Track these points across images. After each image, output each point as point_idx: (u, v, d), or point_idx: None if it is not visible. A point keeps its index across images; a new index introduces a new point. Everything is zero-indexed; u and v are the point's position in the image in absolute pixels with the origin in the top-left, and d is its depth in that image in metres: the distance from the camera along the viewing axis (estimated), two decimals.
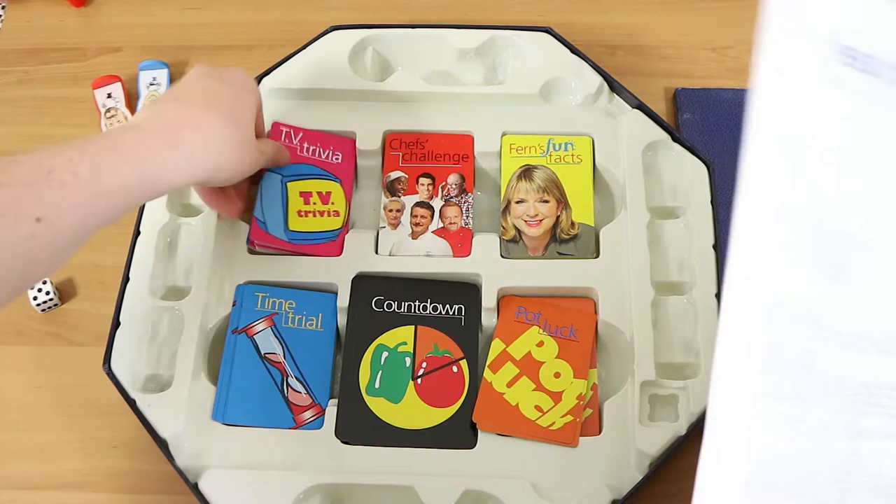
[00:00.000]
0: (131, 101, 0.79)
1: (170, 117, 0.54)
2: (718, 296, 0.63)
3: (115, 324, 0.64)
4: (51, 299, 0.69)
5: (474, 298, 0.65)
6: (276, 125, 0.68)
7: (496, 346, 0.64)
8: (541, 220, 0.68)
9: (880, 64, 0.34)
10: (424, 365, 0.63)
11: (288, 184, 0.66)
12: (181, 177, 0.54)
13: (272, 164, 0.66)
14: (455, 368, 0.63)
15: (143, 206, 0.69)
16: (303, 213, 0.65)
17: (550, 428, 0.60)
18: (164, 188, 0.53)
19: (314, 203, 0.65)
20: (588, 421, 0.62)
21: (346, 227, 0.66)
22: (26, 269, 0.46)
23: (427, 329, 0.64)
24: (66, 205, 0.46)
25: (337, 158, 0.67)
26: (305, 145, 0.67)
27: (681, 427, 0.59)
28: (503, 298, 0.66)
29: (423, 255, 0.67)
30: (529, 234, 0.67)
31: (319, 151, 0.67)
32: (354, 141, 0.68)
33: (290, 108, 0.73)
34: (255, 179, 0.66)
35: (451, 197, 0.69)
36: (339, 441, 0.60)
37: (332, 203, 0.66)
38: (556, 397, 0.61)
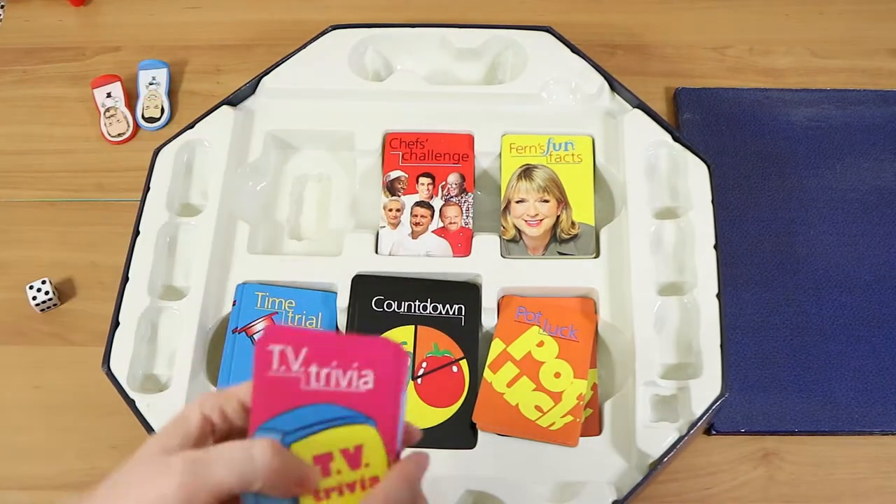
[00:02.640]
0: (131, 100, 0.78)
1: None
2: (719, 296, 0.63)
3: (115, 324, 0.64)
4: (50, 299, 0.69)
5: (474, 298, 0.65)
6: (260, 344, 0.38)
7: (496, 346, 0.63)
8: (541, 220, 0.68)
9: None
10: (424, 365, 0.63)
11: (293, 445, 0.37)
12: None
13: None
14: (455, 368, 0.63)
15: (143, 205, 0.68)
16: (322, 495, 0.37)
17: (550, 428, 0.60)
18: None
19: (338, 472, 0.37)
20: (588, 421, 0.61)
21: None
22: None
23: (427, 329, 0.64)
24: None
25: (367, 382, 0.38)
26: (314, 369, 0.38)
27: (681, 427, 0.59)
28: (503, 298, 0.66)
29: (423, 255, 0.67)
30: (529, 233, 0.67)
31: (338, 375, 0.38)
32: (398, 348, 0.38)
33: (290, 109, 0.73)
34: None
35: (451, 197, 0.69)
36: None
37: (367, 465, 0.38)
38: (557, 397, 0.61)
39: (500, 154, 0.71)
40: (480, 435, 0.61)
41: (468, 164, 0.70)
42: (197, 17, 0.84)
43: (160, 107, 0.78)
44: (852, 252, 0.69)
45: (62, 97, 0.80)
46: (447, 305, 0.65)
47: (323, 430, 0.38)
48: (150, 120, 0.78)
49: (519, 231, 0.67)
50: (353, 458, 0.37)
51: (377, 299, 0.65)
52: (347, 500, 0.37)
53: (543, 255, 0.67)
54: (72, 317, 0.69)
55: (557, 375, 0.62)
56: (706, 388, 0.60)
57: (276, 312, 0.64)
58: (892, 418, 0.63)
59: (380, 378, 0.38)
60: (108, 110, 0.78)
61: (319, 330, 0.44)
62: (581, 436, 0.60)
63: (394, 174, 0.70)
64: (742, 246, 0.69)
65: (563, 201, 0.68)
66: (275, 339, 0.38)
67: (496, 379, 0.62)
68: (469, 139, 0.71)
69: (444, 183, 0.70)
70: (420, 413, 0.61)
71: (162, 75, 0.79)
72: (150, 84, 0.79)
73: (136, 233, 0.67)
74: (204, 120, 0.72)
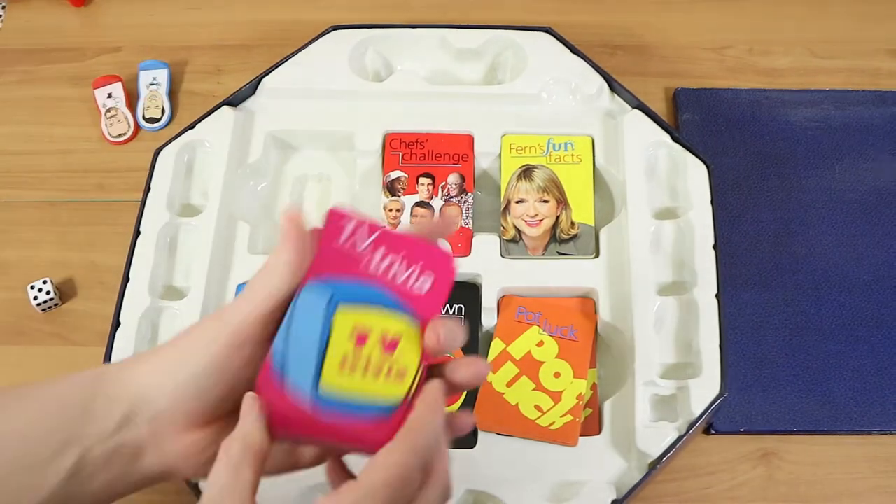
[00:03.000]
0: (131, 100, 0.79)
1: None
2: (718, 296, 0.63)
3: (116, 324, 0.64)
4: (51, 299, 0.69)
5: (474, 298, 0.65)
6: (333, 213, 0.39)
7: (496, 346, 0.64)
8: (541, 220, 0.68)
9: None
10: (424, 364, 0.63)
11: (337, 312, 0.38)
12: None
13: None
14: None
15: (143, 206, 0.69)
16: (348, 365, 0.38)
17: (550, 428, 0.60)
18: None
19: (370, 351, 0.38)
20: (588, 421, 0.62)
21: (408, 403, 0.38)
22: None
23: None
24: None
25: (424, 284, 0.39)
26: (380, 254, 0.39)
27: (680, 427, 0.59)
28: (503, 298, 0.66)
29: None
30: (529, 233, 0.67)
31: (400, 268, 0.39)
32: (451, 258, 0.40)
33: (290, 109, 0.73)
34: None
35: (451, 197, 0.69)
36: None
37: (399, 356, 0.38)
38: (556, 397, 0.62)
39: (500, 154, 0.71)
40: (480, 434, 0.61)
41: (468, 165, 0.70)
42: (197, 18, 0.84)
43: (161, 107, 0.78)
44: (851, 252, 0.69)
45: (63, 98, 0.80)
46: (447, 305, 0.65)
47: (370, 309, 0.38)
48: (151, 120, 0.78)
49: (519, 231, 0.68)
50: (389, 345, 0.38)
51: None
52: (368, 381, 0.37)
53: (543, 255, 0.67)
54: (73, 317, 0.70)
55: (557, 375, 0.62)
56: (705, 388, 0.60)
57: None
58: (890, 418, 0.63)
59: (436, 284, 0.39)
60: (108, 111, 0.78)
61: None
62: (581, 435, 0.60)
63: (394, 174, 0.70)
64: (741, 246, 0.70)
65: (562, 201, 0.69)
66: (348, 217, 0.39)
67: (496, 379, 0.62)
68: (469, 139, 0.71)
69: (444, 183, 0.70)
70: None
71: (162, 76, 0.79)
72: (151, 84, 0.79)
73: (137, 233, 0.67)
74: (204, 120, 0.72)
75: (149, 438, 0.36)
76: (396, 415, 0.37)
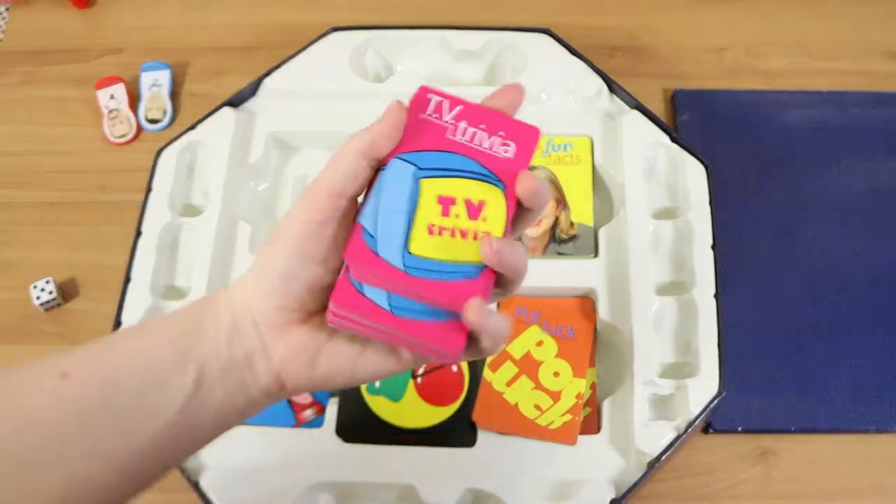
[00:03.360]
0: (134, 102, 0.79)
1: None
2: (717, 295, 0.63)
3: (117, 323, 0.64)
4: (53, 299, 0.69)
5: None
6: (422, 90, 0.41)
7: None
8: (540, 221, 0.68)
9: None
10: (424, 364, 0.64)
11: (423, 180, 0.39)
12: None
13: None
14: (455, 368, 0.64)
15: (145, 206, 0.69)
16: (435, 230, 0.39)
17: (549, 427, 0.61)
18: None
19: (456, 216, 0.39)
20: (587, 420, 0.62)
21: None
22: None
23: None
24: None
25: (507, 151, 0.40)
26: (463, 125, 0.40)
27: (679, 426, 0.60)
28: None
29: None
30: (529, 234, 0.68)
31: (482, 137, 0.40)
32: (538, 131, 0.41)
33: (291, 110, 0.74)
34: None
35: None
36: (339, 439, 0.61)
37: (485, 219, 0.39)
38: (556, 396, 0.62)
39: None
40: (480, 434, 0.61)
41: None
42: (199, 20, 0.84)
43: (162, 108, 0.78)
44: (848, 252, 0.70)
45: (65, 99, 0.80)
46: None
47: (455, 176, 0.39)
48: (153, 121, 0.78)
49: None
50: (475, 209, 0.39)
51: None
52: (456, 243, 0.38)
53: (542, 255, 0.67)
54: (75, 316, 0.70)
55: (556, 374, 0.63)
56: (704, 387, 0.60)
57: None
58: (887, 417, 0.64)
59: (520, 151, 0.40)
60: (111, 112, 0.78)
61: None
62: (580, 434, 0.61)
63: None
64: (740, 246, 0.70)
65: (561, 202, 0.69)
66: (434, 92, 0.41)
67: (496, 378, 0.63)
68: None
69: None
70: (420, 412, 0.62)
71: (164, 77, 0.79)
72: (153, 86, 0.79)
73: (139, 233, 0.68)
74: (206, 121, 0.72)
75: (256, 345, 0.38)
76: (483, 275, 0.38)
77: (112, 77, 0.79)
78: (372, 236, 0.38)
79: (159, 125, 0.78)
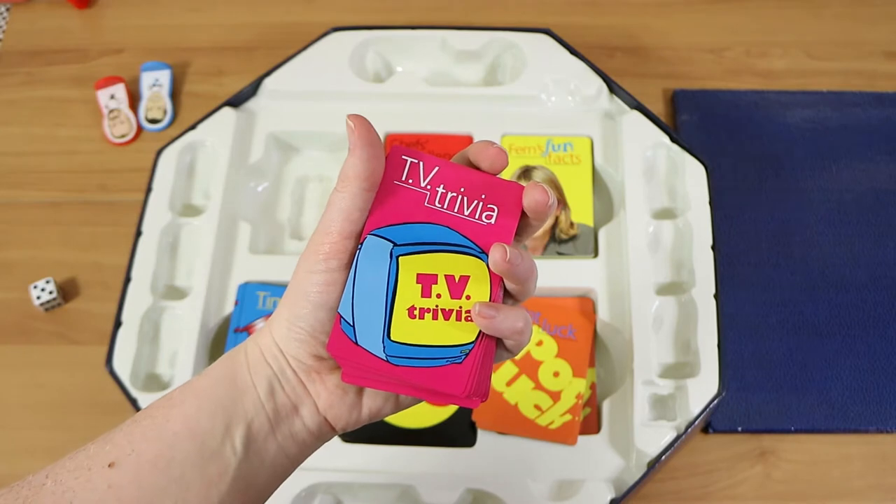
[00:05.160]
0: (134, 102, 0.79)
1: None
2: (716, 296, 0.63)
3: (117, 323, 0.64)
4: (54, 298, 0.69)
5: None
6: (394, 151, 0.38)
7: None
8: None
9: None
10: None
11: (401, 258, 0.37)
12: None
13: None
14: None
15: (145, 206, 0.69)
16: (416, 313, 0.37)
17: (549, 427, 0.61)
18: None
19: (438, 295, 0.37)
20: (587, 420, 0.62)
21: (483, 343, 0.36)
22: None
23: None
24: None
25: (490, 217, 0.37)
26: (441, 190, 0.37)
27: (679, 426, 0.60)
28: None
29: None
30: None
31: (463, 202, 0.37)
32: (517, 186, 0.37)
33: (291, 110, 0.74)
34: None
35: None
36: (339, 439, 0.61)
37: (467, 298, 0.37)
38: (555, 396, 0.62)
39: None
40: (480, 433, 0.61)
41: None
42: (199, 20, 0.84)
43: (163, 108, 0.78)
44: (848, 252, 0.70)
45: (66, 99, 0.80)
46: None
47: (434, 251, 0.37)
48: (153, 121, 0.78)
49: None
50: (457, 287, 0.37)
51: None
52: (439, 326, 0.36)
53: (542, 255, 0.67)
54: (75, 316, 0.70)
55: (556, 374, 0.63)
56: (703, 388, 0.60)
57: None
58: (886, 417, 0.64)
59: (503, 216, 0.37)
60: (111, 112, 0.78)
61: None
62: (580, 434, 0.61)
63: None
64: (739, 246, 0.70)
65: (561, 202, 0.69)
66: (408, 153, 0.38)
67: (495, 378, 0.63)
68: (469, 140, 0.72)
69: None
70: (420, 412, 0.62)
71: (165, 77, 0.79)
72: (153, 86, 0.79)
73: (139, 233, 0.68)
74: (206, 121, 0.72)
75: (298, 392, 0.38)
76: (469, 357, 0.36)
77: (112, 77, 0.79)
78: (350, 325, 0.36)
79: (159, 125, 0.78)
